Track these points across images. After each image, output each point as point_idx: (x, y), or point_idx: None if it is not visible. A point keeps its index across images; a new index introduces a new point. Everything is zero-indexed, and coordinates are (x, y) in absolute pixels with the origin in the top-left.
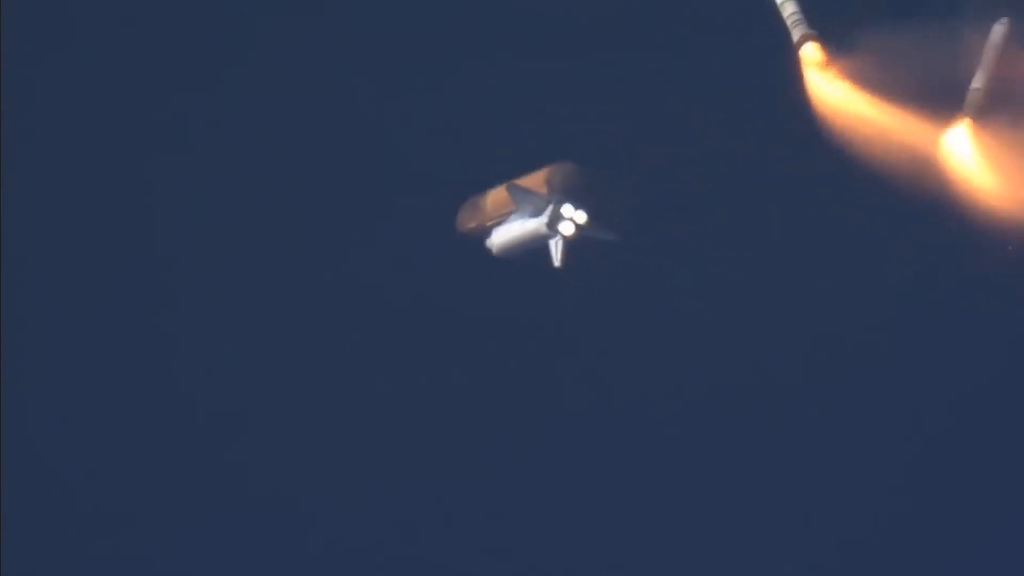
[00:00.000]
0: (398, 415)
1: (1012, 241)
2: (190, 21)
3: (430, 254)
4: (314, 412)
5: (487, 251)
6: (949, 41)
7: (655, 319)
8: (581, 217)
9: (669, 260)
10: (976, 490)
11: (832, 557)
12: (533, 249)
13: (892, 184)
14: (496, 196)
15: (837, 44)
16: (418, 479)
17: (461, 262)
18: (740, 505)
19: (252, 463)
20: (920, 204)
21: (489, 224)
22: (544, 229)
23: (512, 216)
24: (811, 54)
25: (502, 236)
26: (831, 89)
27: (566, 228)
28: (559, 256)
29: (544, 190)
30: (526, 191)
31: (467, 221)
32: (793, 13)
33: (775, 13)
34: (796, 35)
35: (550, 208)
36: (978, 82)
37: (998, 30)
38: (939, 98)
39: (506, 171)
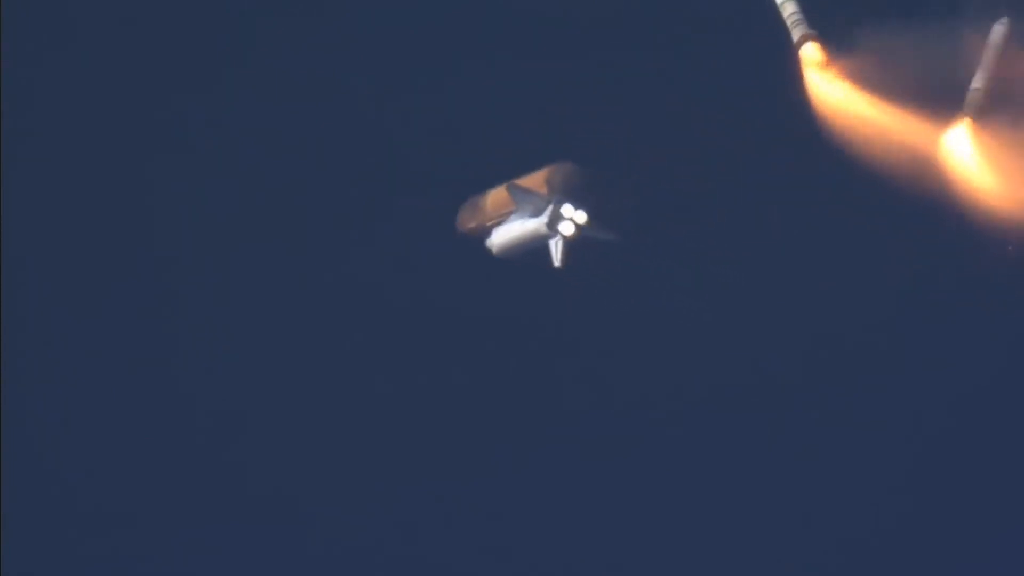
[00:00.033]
0: (398, 415)
1: (1012, 241)
2: (190, 21)
3: (430, 254)
4: (314, 412)
5: (487, 251)
6: (949, 41)
7: (655, 319)
8: (581, 217)
9: (669, 260)
10: (976, 490)
11: (832, 557)
12: (533, 249)
13: (892, 184)
14: (496, 196)
15: (837, 44)
16: (418, 479)
17: (461, 262)
18: (740, 505)
19: (252, 463)
20: (920, 204)
21: (489, 224)
22: (544, 229)
23: (512, 216)
24: (811, 54)
25: (502, 236)
26: (831, 89)
27: (566, 228)
28: (559, 256)
29: (544, 190)
30: (526, 191)
31: (467, 221)
32: (793, 13)
33: (775, 13)
34: (796, 35)
35: (550, 208)
36: (978, 82)
37: (998, 30)
38: (939, 98)
39: (506, 171)
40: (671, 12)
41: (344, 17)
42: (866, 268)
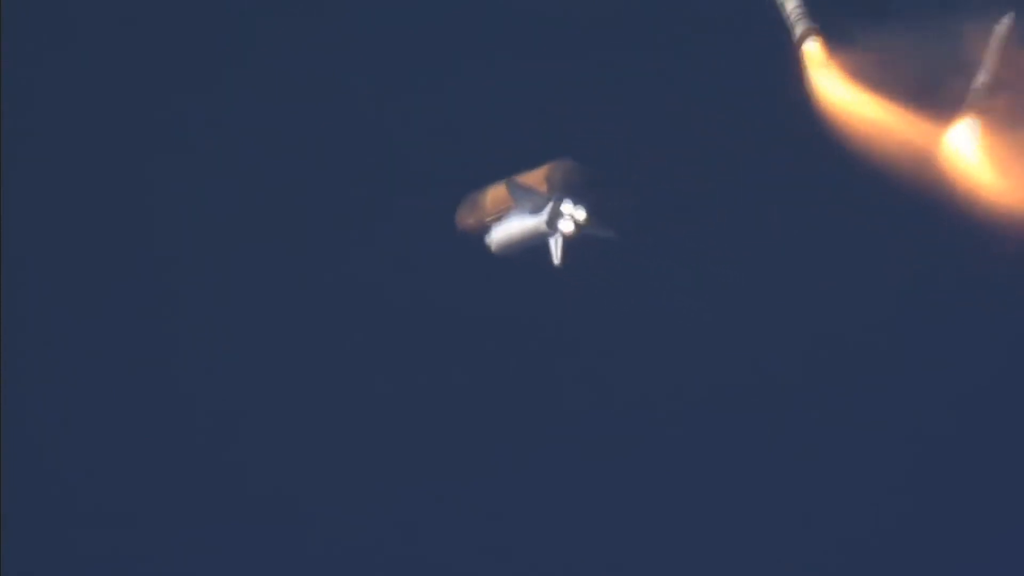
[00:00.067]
0: (398, 415)
1: (1014, 239)
2: (190, 21)
3: (430, 254)
4: (314, 412)
5: (486, 248)
6: (952, 37)
7: (655, 318)
8: (581, 214)
9: (669, 258)
10: (976, 490)
11: (832, 557)
12: (532, 247)
13: (894, 182)
14: (495, 193)
15: (839, 40)
16: (418, 479)
17: (461, 261)
18: (740, 505)
19: (252, 463)
20: (922, 202)
21: (488, 221)
22: (544, 227)
23: (511, 213)
24: (813, 51)
25: (501, 233)
26: (833, 86)
27: (566, 226)
28: (558, 254)
29: (544, 187)
30: (526, 188)
31: (466, 218)
32: (795, 9)
33: (776, 10)
34: (798, 31)
35: (550, 205)
36: (982, 78)
37: (1003, 26)
38: (942, 95)
39: (506, 169)
40: (671, 11)
41: (344, 17)
42: (866, 267)
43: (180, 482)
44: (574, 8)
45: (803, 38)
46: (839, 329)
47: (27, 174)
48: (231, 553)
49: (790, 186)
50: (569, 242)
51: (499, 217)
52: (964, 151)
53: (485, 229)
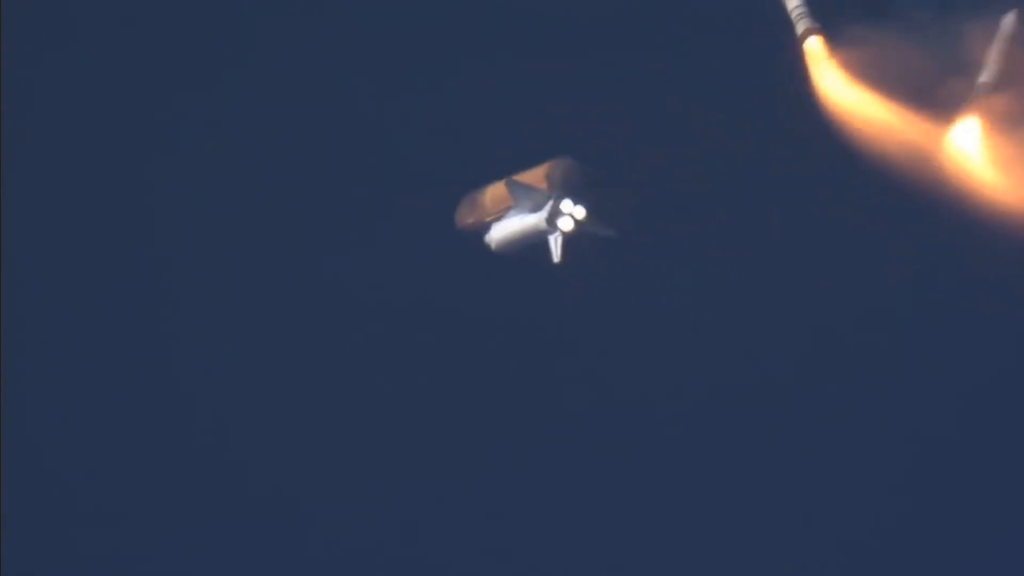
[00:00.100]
0: (398, 415)
1: (1015, 239)
2: (190, 21)
3: (430, 253)
4: (314, 412)
5: (486, 247)
6: (955, 36)
7: (654, 317)
8: (580, 213)
9: (669, 257)
10: (976, 490)
11: (832, 557)
12: (532, 245)
13: (896, 181)
14: (495, 192)
15: (842, 37)
16: (418, 479)
17: (461, 260)
18: (740, 505)
19: (252, 463)
20: (923, 202)
21: (488, 220)
22: (543, 225)
23: (511, 212)
24: (815, 48)
25: (501, 232)
26: (834, 84)
27: (565, 224)
28: (558, 252)
29: (543, 186)
30: (525, 187)
31: (465, 217)
32: (797, 6)
33: (777, 8)
34: (800, 28)
35: (549, 204)
36: (985, 77)
37: (1006, 24)
38: (944, 94)
39: (505, 167)
40: (671, 11)
41: (344, 17)
42: (867, 267)
43: (180, 482)
44: (574, 8)
45: (805, 36)
46: (839, 329)
47: (27, 174)
48: (231, 553)
49: (790, 186)
50: (568, 240)
51: (499, 216)
52: (966, 150)
53: (485, 228)
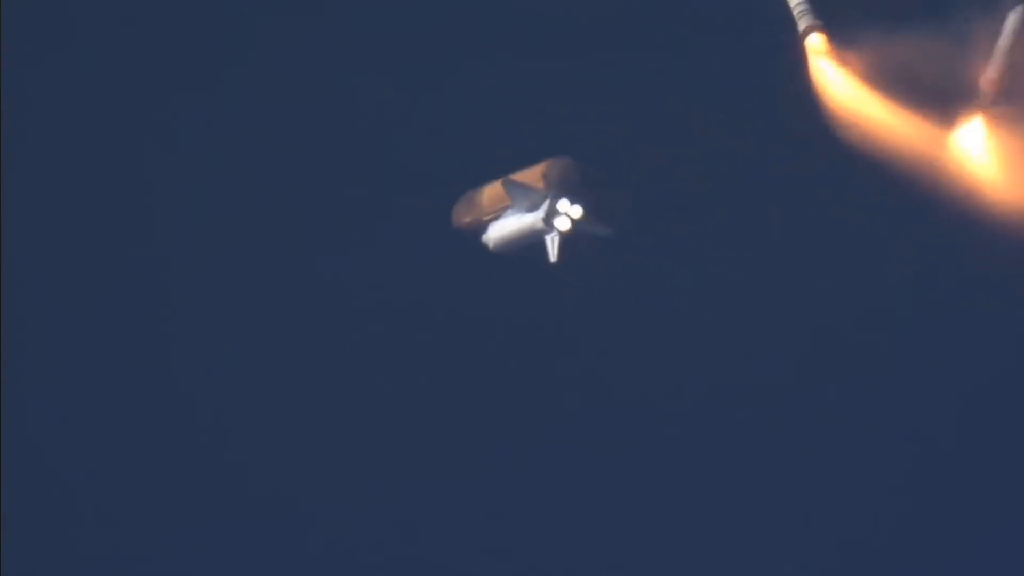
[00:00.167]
0: (398, 415)
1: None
2: (190, 21)
3: (429, 253)
4: (314, 412)
5: (484, 246)
6: (961, 31)
7: (652, 316)
8: (577, 212)
9: (666, 256)
10: (976, 490)
11: (832, 557)
12: (529, 244)
13: (899, 179)
14: (492, 191)
15: (844, 34)
16: (418, 479)
17: (460, 260)
18: (740, 505)
19: (252, 463)
20: (926, 201)
21: (485, 219)
22: (540, 224)
23: (508, 211)
24: (816, 45)
25: (498, 231)
26: (836, 81)
27: (562, 223)
28: (555, 251)
29: (540, 185)
30: (522, 186)
31: (463, 216)
32: (799, 3)
33: (779, 4)
34: (802, 25)
35: (546, 203)
36: (992, 73)
37: (1012, 21)
38: (950, 90)
39: (503, 167)
40: (671, 11)
41: (344, 17)
42: (867, 267)
43: (180, 482)
44: (574, 8)
45: (807, 33)
46: (839, 329)
47: (27, 174)
48: (231, 553)
49: (791, 185)
50: (566, 240)
51: (496, 215)
52: (970, 150)
53: (482, 227)
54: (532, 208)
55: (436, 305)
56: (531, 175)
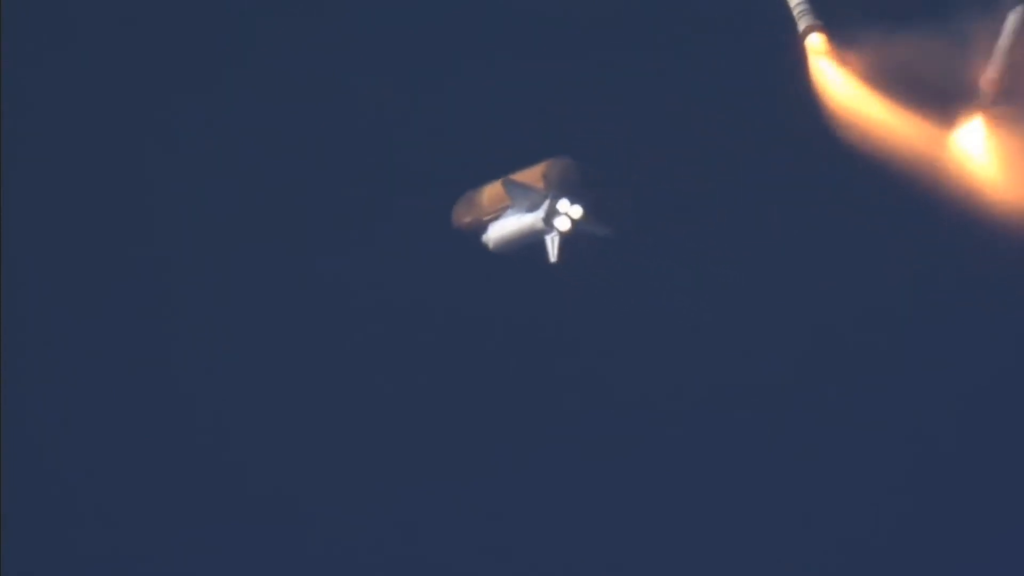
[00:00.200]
0: (398, 415)
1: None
2: (190, 21)
3: (429, 253)
4: (314, 412)
5: (484, 246)
6: (961, 31)
7: (653, 317)
8: (577, 212)
9: (666, 256)
10: (976, 490)
11: (832, 557)
12: (529, 244)
13: (899, 179)
14: (492, 191)
15: (844, 34)
16: (418, 479)
17: (460, 260)
18: (740, 505)
19: (252, 463)
20: (926, 201)
21: (485, 219)
22: (540, 224)
23: (508, 211)
24: (817, 45)
25: (498, 231)
26: (836, 81)
27: (562, 223)
28: (555, 251)
29: (540, 185)
30: (522, 186)
31: (463, 216)
32: (799, 3)
33: (779, 4)
34: (802, 25)
35: (546, 203)
36: (992, 73)
37: (1012, 19)
38: (950, 90)
39: (503, 167)
40: (671, 11)
41: (344, 17)
42: (867, 267)
43: (180, 482)
44: (574, 8)
45: (807, 32)
46: (839, 329)
47: (27, 174)
48: (231, 553)
49: (791, 185)
50: (566, 240)
51: (496, 215)
52: (970, 150)
53: (482, 227)
54: (532, 208)
55: (436, 305)
56: (531, 175)
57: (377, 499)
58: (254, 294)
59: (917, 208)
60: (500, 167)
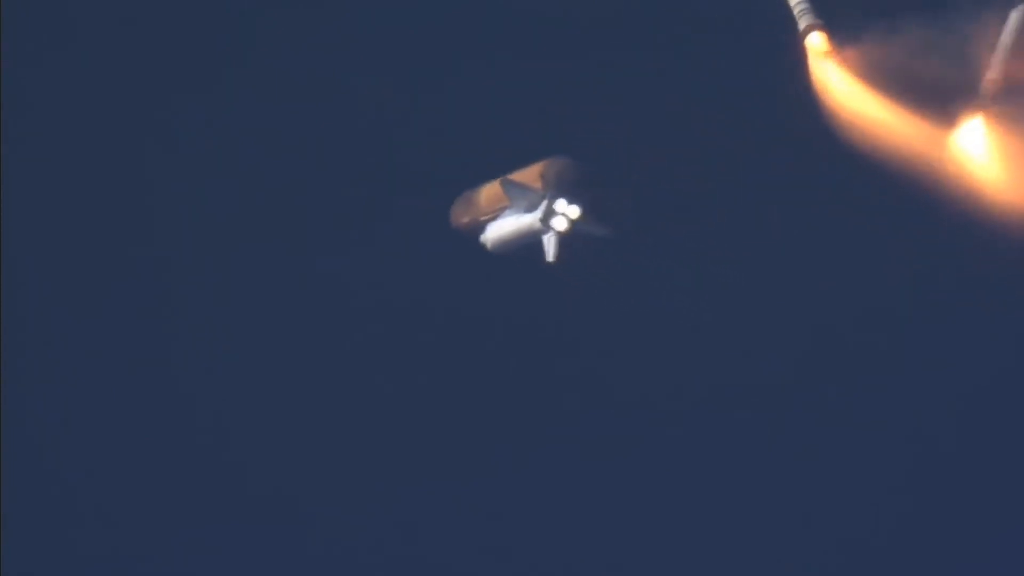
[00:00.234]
0: (398, 415)
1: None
2: (190, 21)
3: (428, 253)
4: (314, 412)
5: (482, 246)
6: (963, 30)
7: (652, 317)
8: (574, 212)
9: (664, 255)
10: (976, 490)
11: (832, 557)
12: (527, 244)
13: (899, 179)
14: (490, 191)
15: (844, 34)
16: (418, 479)
17: (458, 260)
18: (740, 505)
19: (252, 463)
20: (926, 201)
21: (483, 219)
22: (538, 224)
23: (506, 211)
24: (817, 44)
25: (496, 231)
26: (836, 80)
27: (559, 223)
28: (553, 251)
29: (538, 185)
30: (520, 186)
31: (461, 216)
32: (799, 3)
33: (779, 3)
34: (802, 25)
35: (544, 203)
36: (993, 72)
37: (1013, 18)
38: (950, 90)
39: (501, 166)
40: (671, 11)
41: (344, 17)
42: (867, 267)
43: (180, 482)
44: (574, 8)
45: (807, 32)
46: (839, 329)
47: (27, 174)
48: (231, 553)
49: (791, 185)
50: (563, 239)
51: (494, 215)
52: (970, 150)
53: (480, 227)
54: (530, 208)
55: (435, 305)
56: (529, 175)
57: (377, 499)
58: (254, 294)
59: (917, 208)
60: (498, 167)
